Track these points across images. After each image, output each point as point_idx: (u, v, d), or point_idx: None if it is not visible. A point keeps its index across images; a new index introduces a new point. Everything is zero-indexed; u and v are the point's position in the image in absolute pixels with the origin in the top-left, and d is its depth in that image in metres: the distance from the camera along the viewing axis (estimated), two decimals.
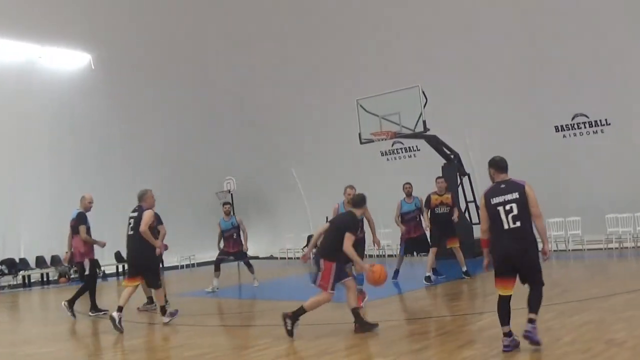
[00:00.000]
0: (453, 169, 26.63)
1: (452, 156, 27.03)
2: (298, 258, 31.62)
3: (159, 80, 33.54)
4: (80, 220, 16.62)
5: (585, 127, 26.58)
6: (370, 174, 30.70)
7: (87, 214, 17.13)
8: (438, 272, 20.07)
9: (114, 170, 32.85)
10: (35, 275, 30.45)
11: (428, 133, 25.75)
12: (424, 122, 25.16)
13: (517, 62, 27.24)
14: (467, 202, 27.27)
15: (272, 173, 36.27)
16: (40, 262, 30.82)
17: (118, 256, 31.69)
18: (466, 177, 27.41)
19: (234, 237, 21.10)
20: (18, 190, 29.98)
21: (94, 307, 16.55)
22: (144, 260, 14.54)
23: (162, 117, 34.37)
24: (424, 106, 25.16)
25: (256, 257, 36.27)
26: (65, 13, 29.80)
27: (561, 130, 27.08)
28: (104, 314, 16.11)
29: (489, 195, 10.07)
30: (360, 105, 26.78)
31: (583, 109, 26.52)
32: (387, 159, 32.02)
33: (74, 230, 16.91)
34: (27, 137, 30.25)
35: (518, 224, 9.68)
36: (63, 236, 30.88)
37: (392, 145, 31.18)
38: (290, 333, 11.64)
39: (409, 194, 20.05)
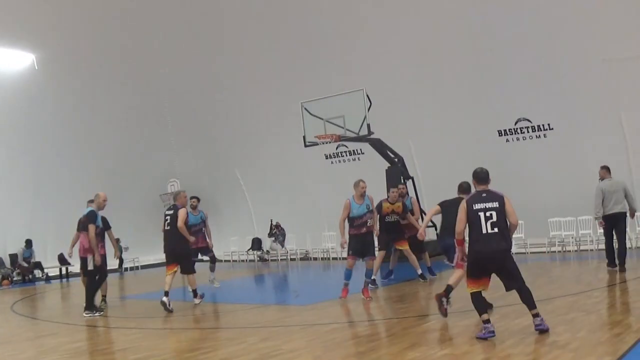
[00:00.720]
0: (397, 172, 26.74)
1: (396, 160, 27.14)
2: (243, 260, 31.58)
3: (102, 81, 33.28)
4: (90, 219, 16.54)
5: (528, 132, 26.85)
6: (314, 176, 30.78)
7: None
8: (432, 271, 20.42)
9: (57, 172, 32.53)
10: None
11: (372, 136, 25.85)
12: (368, 125, 25.26)
13: (462, 67, 27.45)
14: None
15: (216, 175, 36.19)
16: None
17: (61, 259, 31.42)
18: (410, 180, 27.51)
19: (202, 231, 20.80)
20: None
21: (90, 307, 16.31)
22: (180, 251, 17.09)
23: (106, 118, 34.10)
24: (369, 109, 25.25)
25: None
26: (9, 11, 29.45)
27: (504, 135, 27.33)
28: (100, 314, 16.36)
29: (470, 201, 10.95)
30: (305, 108, 26.81)
31: (526, 114, 26.79)
32: (332, 162, 32.06)
33: (83, 227, 17.27)
34: None
35: (495, 229, 10.61)
36: (5, 238, 30.77)
37: (337, 148, 31.25)
38: (446, 313, 12.20)
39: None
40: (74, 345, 12.60)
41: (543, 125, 26.55)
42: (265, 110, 32.72)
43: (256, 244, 34.71)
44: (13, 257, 30.92)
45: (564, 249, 25.47)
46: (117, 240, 19.56)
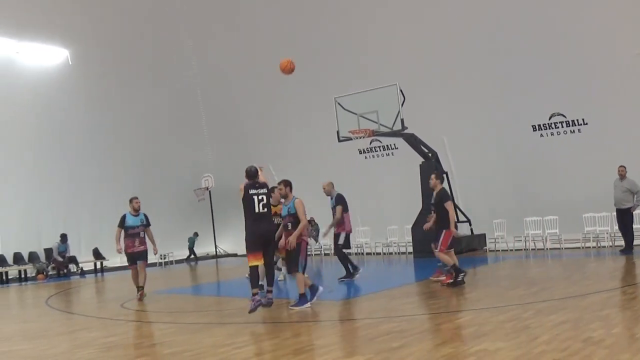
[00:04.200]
0: (431, 167, 26.62)
1: (430, 155, 27.05)
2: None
3: (136, 76, 33.51)
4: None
5: (562, 127, 26.67)
6: (348, 171, 30.72)
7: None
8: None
9: (91, 166, 32.76)
10: (12, 272, 30.22)
11: (406, 131, 25.77)
12: (402, 120, 25.21)
13: (495, 61, 27.31)
14: None
15: None
16: (17, 258, 30.66)
17: (96, 253, 31.61)
18: (444, 175, 27.42)
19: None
20: None
21: None
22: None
23: (140, 113, 34.29)
24: (402, 104, 25.19)
25: (234, 255, 36.25)
26: (43, 8, 29.65)
27: (538, 130, 27.17)
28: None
29: (246, 187, 14.19)
30: (338, 103, 26.78)
31: (560, 109, 26.60)
32: (365, 157, 32.01)
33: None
34: (3, 133, 30.06)
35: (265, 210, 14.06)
36: (40, 233, 30.97)
37: (370, 143, 31.21)
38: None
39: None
40: (108, 339, 12.63)
41: (577, 120, 26.38)
42: (299, 105, 32.73)
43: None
44: (48, 252, 31.08)
45: (599, 245, 25.28)
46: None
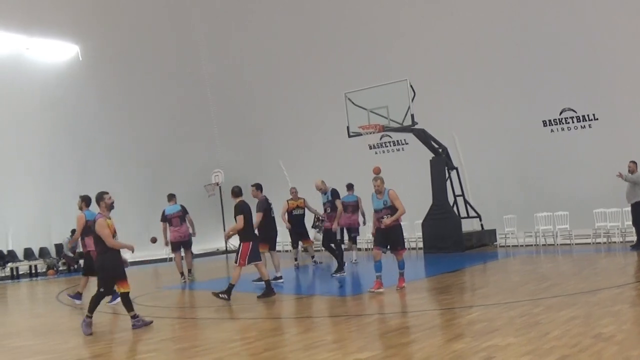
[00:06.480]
0: (441, 162, 26.64)
1: (440, 150, 27.03)
2: (287, 251, 31.53)
3: (145, 72, 33.55)
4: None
5: (573, 122, 26.58)
6: (358, 167, 30.72)
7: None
8: None
9: (100, 162, 32.80)
10: (23, 267, 30.26)
11: (416, 127, 25.75)
12: (412, 115, 25.19)
13: (505, 56, 27.25)
14: (455, 196, 27.30)
15: (260, 165, 36.16)
16: (28, 254, 30.71)
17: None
18: (454, 170, 27.40)
19: None
20: (4, 182, 29.78)
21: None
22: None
23: (150, 109, 34.35)
24: (412, 100, 25.16)
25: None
26: (52, 3, 29.69)
27: (549, 125, 27.07)
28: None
29: None
30: (349, 99, 26.77)
31: (571, 104, 26.52)
32: (375, 153, 31.97)
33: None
34: (14, 129, 30.08)
35: None
36: (51, 228, 31.02)
37: (381, 138, 31.17)
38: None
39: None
40: (117, 335, 12.68)
41: (588, 115, 26.28)
42: (309, 100, 32.71)
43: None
44: (59, 247, 31.13)
45: (609, 240, 25.22)
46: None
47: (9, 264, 29.49)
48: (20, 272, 30.10)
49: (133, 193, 33.69)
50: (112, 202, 13.45)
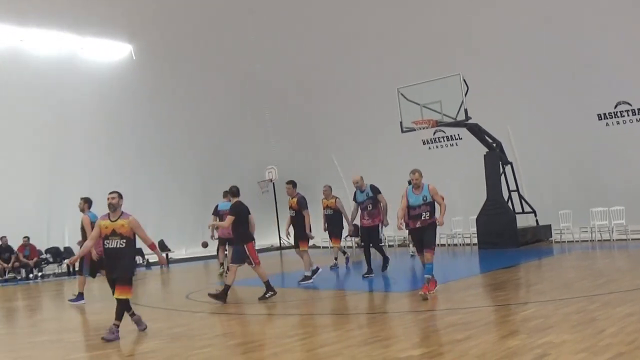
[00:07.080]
0: (495, 157, 26.52)
1: (494, 145, 26.90)
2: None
3: (199, 70, 33.71)
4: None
5: (628, 115, 26.31)
6: (412, 163, 30.62)
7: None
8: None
9: (154, 160, 33.06)
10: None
11: (470, 121, 25.65)
12: (466, 110, 25.07)
13: (559, 50, 26.99)
14: (509, 191, 27.17)
15: (314, 161, 36.19)
16: None
17: (161, 245, 31.86)
18: (509, 165, 27.26)
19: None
20: (61, 179, 30.09)
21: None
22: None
23: (202, 107, 34.52)
24: (465, 94, 25.06)
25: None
26: (106, 4, 29.91)
27: (604, 119, 26.82)
28: None
29: None
30: (401, 94, 26.72)
31: (626, 97, 26.25)
32: (429, 148, 31.88)
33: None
34: (69, 128, 30.40)
35: None
36: None
37: (434, 134, 31.02)
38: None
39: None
40: (173, 330, 12.75)
41: None
42: (362, 96, 32.64)
43: (355, 230, 34.62)
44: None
45: None
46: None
47: (66, 261, 29.74)
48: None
49: (185, 191, 33.94)
50: (110, 202, 13.85)
